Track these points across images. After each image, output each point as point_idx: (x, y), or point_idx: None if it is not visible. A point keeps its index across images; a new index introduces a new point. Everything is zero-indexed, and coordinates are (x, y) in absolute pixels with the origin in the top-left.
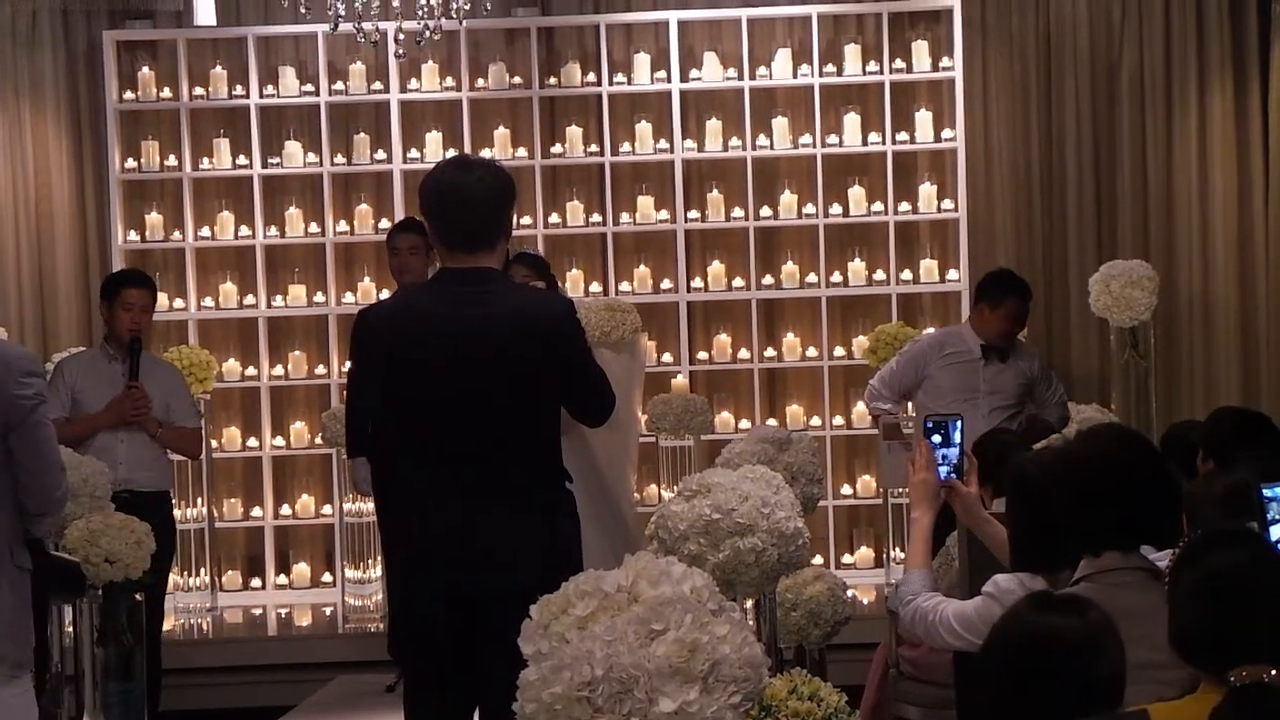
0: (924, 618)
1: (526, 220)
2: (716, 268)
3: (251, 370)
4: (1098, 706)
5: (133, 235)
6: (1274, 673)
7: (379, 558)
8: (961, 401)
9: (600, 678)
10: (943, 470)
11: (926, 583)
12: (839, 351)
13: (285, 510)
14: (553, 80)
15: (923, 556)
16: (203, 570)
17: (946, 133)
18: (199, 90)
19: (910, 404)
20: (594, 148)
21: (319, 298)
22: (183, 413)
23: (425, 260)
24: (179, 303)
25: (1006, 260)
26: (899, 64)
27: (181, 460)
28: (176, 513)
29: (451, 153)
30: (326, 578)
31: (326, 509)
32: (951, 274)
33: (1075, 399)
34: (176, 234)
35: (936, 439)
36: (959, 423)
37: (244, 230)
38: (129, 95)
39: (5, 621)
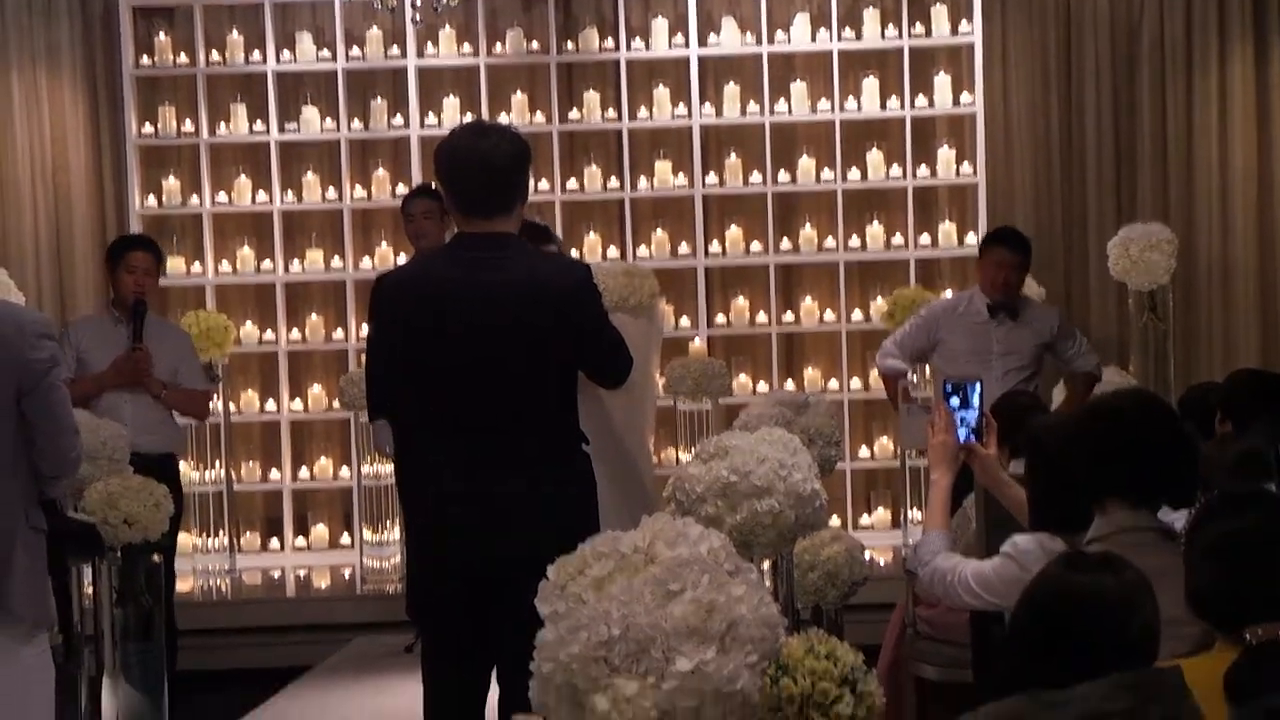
0: (942, 578)
1: (544, 185)
2: (734, 232)
3: (269, 335)
4: (1133, 663)
5: (150, 200)
6: None
7: (397, 520)
8: (975, 363)
9: (617, 638)
10: (961, 433)
11: (945, 543)
12: (857, 316)
13: (303, 473)
14: (570, 46)
15: (941, 517)
16: (221, 533)
17: (965, 97)
18: (216, 56)
19: (927, 368)
20: (612, 113)
21: (336, 263)
22: (191, 375)
23: (440, 225)
24: (196, 267)
25: (1025, 224)
26: (918, 28)
27: (200, 424)
28: (195, 475)
29: (469, 118)
30: (345, 540)
31: (344, 472)
32: (970, 238)
33: None
34: (194, 199)
35: (955, 402)
36: (978, 385)
37: (261, 196)
38: (146, 61)
39: (22, 582)
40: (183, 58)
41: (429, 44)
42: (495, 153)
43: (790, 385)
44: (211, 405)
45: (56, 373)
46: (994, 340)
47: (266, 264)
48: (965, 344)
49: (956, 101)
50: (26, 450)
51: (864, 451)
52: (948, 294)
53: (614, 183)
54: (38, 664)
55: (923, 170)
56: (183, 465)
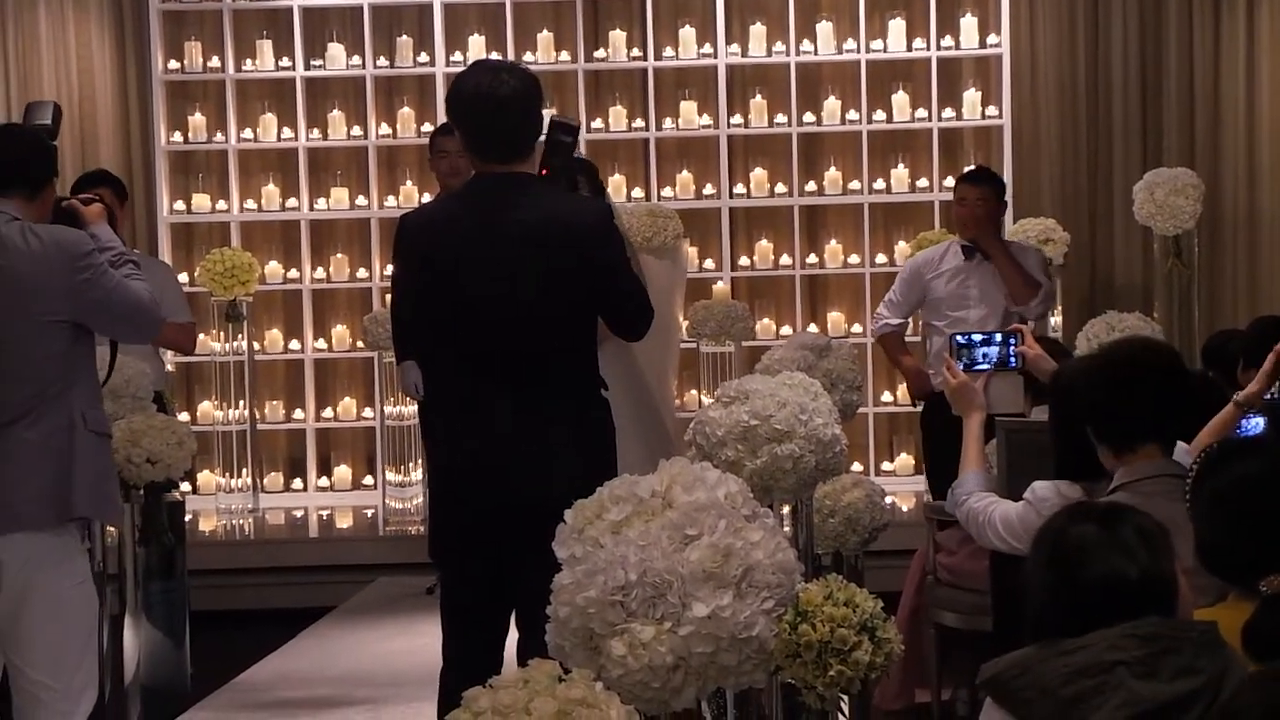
0: (975, 518)
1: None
2: (759, 174)
3: (294, 273)
4: (1142, 612)
5: (175, 136)
6: None
7: (420, 461)
8: (957, 309)
9: (634, 582)
10: (983, 368)
11: (981, 482)
12: (881, 259)
13: (327, 413)
14: None
15: (977, 457)
16: (244, 472)
17: (992, 38)
18: None
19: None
20: (637, 52)
21: (361, 201)
22: (171, 308)
23: (454, 163)
24: (221, 204)
25: (1050, 168)
26: None
27: (224, 361)
28: (218, 414)
29: (495, 56)
30: (367, 480)
31: (368, 412)
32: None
33: (1118, 308)
34: (219, 136)
35: (977, 338)
36: (994, 334)
37: (286, 132)
38: None
39: (84, 484)
40: None
41: None
42: (504, 91)
43: (813, 328)
44: (223, 344)
45: (102, 280)
46: (973, 283)
47: (291, 201)
48: (946, 289)
49: (983, 43)
50: (83, 359)
51: (886, 395)
52: None
53: (639, 122)
54: (83, 587)
55: (948, 112)
56: (206, 404)
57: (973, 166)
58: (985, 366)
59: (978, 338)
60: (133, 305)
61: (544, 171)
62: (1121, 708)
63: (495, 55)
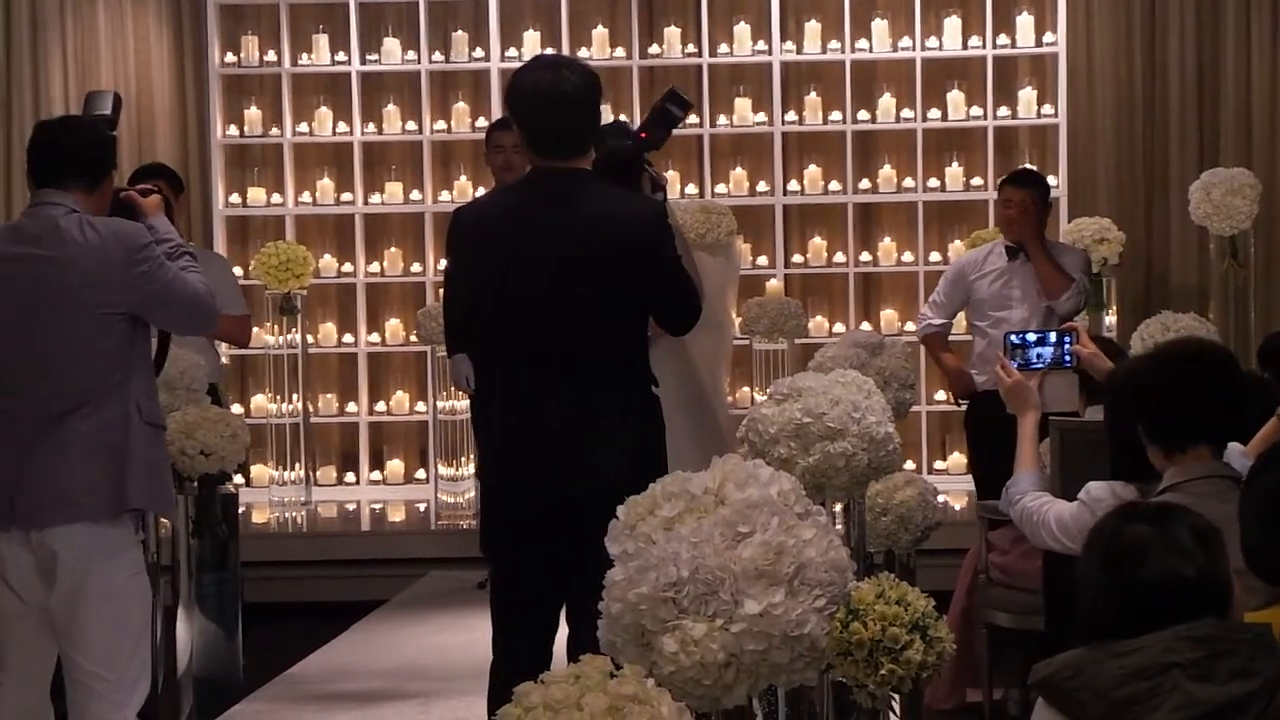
0: (1029, 517)
1: (623, 119)
2: (813, 171)
3: (348, 267)
4: (1198, 612)
5: (231, 130)
6: None
7: (472, 455)
8: (1000, 310)
9: (686, 579)
10: (1038, 367)
11: (1035, 482)
12: (935, 257)
13: (380, 406)
14: None
15: (1031, 456)
16: (297, 465)
17: (1048, 36)
18: None
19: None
20: (692, 48)
21: (415, 195)
22: (226, 301)
23: (509, 158)
24: (276, 198)
25: (1106, 167)
26: None
27: (278, 354)
28: (271, 407)
29: (549, 52)
30: (420, 474)
31: (420, 406)
32: (1050, 180)
33: (1173, 308)
34: (275, 130)
35: (1031, 338)
36: (1049, 333)
37: (342, 126)
38: None
39: (139, 475)
40: None
41: None
42: (564, 87)
43: (867, 326)
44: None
45: (159, 272)
46: (1016, 284)
47: (346, 195)
48: (989, 290)
49: (1039, 41)
50: (139, 351)
51: (939, 394)
52: None
53: (693, 119)
54: (137, 578)
55: (1003, 111)
56: (260, 397)
57: (1027, 166)
58: (1040, 366)
59: (1032, 337)
60: (189, 298)
61: (643, 135)
62: (1177, 710)
63: (550, 51)
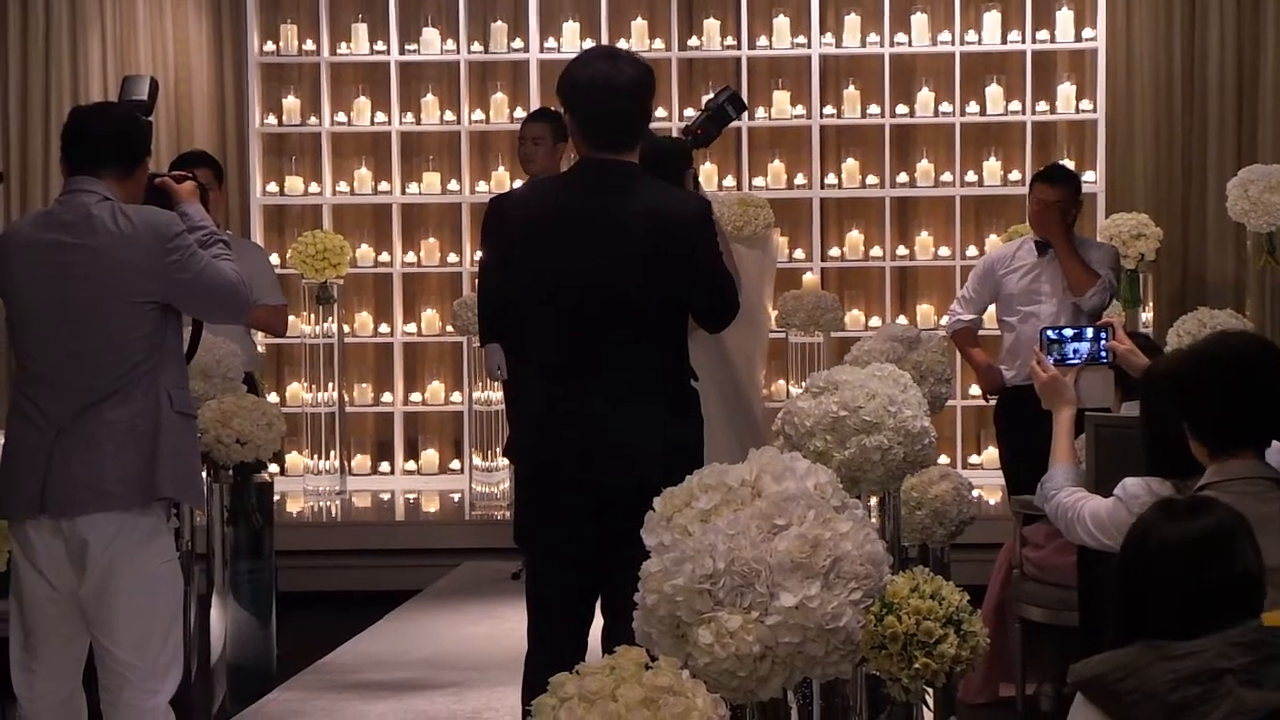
0: (1064, 513)
1: (661, 113)
2: (851, 164)
3: (385, 256)
4: (1236, 609)
5: (270, 118)
6: None
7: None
8: (1028, 305)
9: (722, 571)
10: (1074, 362)
11: (1071, 477)
12: (972, 251)
13: (415, 396)
14: None
15: (1067, 451)
16: (332, 454)
17: (1087, 32)
18: None
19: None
20: (731, 41)
21: (453, 185)
22: (263, 290)
23: (552, 151)
24: (314, 187)
25: (1144, 163)
26: None
27: (314, 343)
28: (307, 396)
29: (589, 43)
30: (454, 464)
31: (456, 396)
32: (1088, 175)
33: (1209, 304)
34: (313, 119)
35: (1068, 333)
36: (1085, 328)
37: (380, 116)
38: None
39: (170, 465)
40: None
41: None
42: (620, 80)
43: (903, 320)
44: (314, 326)
45: (192, 262)
46: (1045, 280)
47: (383, 185)
48: (1018, 285)
49: (1078, 37)
50: (171, 340)
51: (974, 389)
52: None
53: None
54: (168, 566)
55: (1042, 105)
56: (295, 386)
57: (1060, 162)
58: (1076, 361)
59: (1069, 333)
60: (221, 287)
61: (698, 131)
62: (1230, 716)
63: (590, 42)
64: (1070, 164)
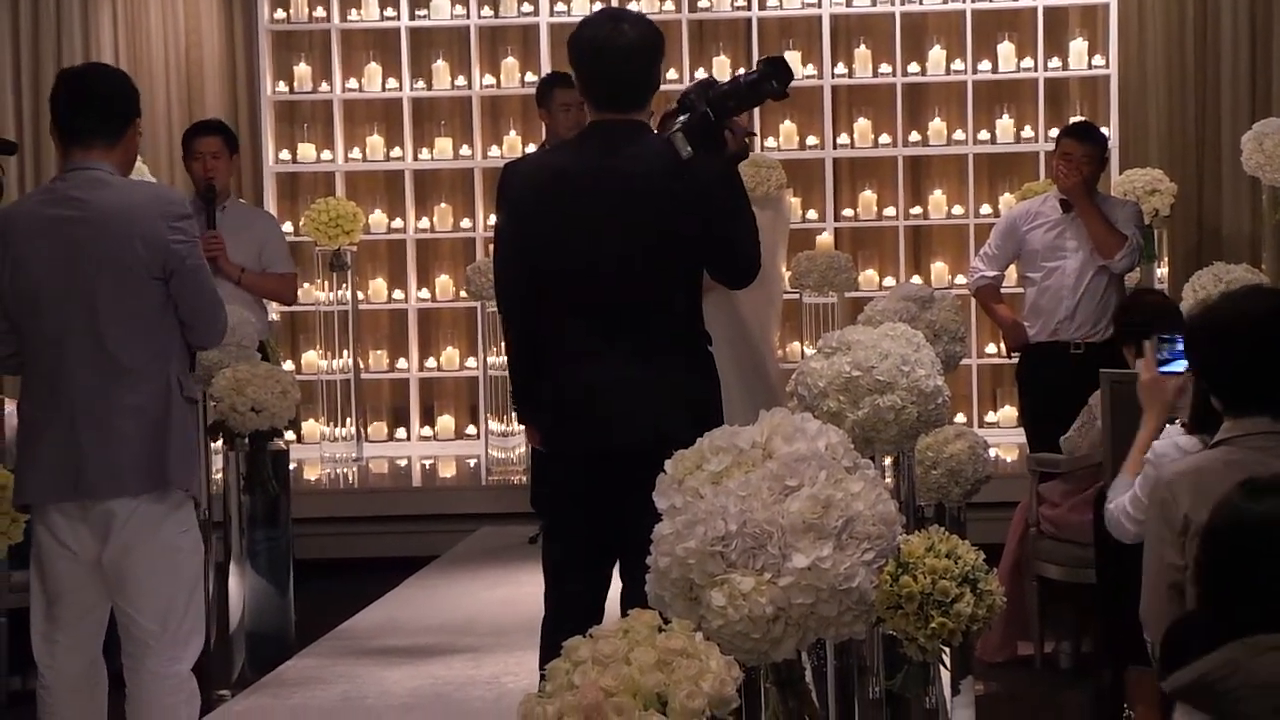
0: (1112, 517)
1: (672, 75)
2: (863, 124)
3: (398, 223)
4: None
5: (281, 86)
6: None
7: None
8: (1051, 260)
9: (734, 533)
10: (1179, 370)
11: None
12: (985, 209)
13: (430, 363)
14: None
15: (1137, 464)
16: (348, 421)
17: None
18: None
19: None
20: (741, 2)
21: (465, 151)
22: (274, 258)
23: (581, 116)
24: (326, 154)
25: (1157, 118)
26: None
27: (328, 311)
28: (322, 363)
29: (597, 6)
30: (470, 430)
31: (471, 362)
32: (1103, 131)
33: (1225, 259)
34: (324, 86)
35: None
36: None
37: (391, 83)
38: None
39: (177, 450)
40: None
41: None
42: (622, 41)
43: (917, 278)
44: (328, 293)
45: (196, 252)
46: (1070, 235)
47: (395, 151)
48: (1042, 241)
49: None
50: (176, 325)
51: (990, 348)
52: None
53: (742, 72)
54: (189, 535)
55: (1054, 62)
56: (310, 354)
57: (1080, 119)
58: (1181, 369)
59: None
60: (215, 299)
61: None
62: None
63: (599, 5)
64: (1083, 119)
